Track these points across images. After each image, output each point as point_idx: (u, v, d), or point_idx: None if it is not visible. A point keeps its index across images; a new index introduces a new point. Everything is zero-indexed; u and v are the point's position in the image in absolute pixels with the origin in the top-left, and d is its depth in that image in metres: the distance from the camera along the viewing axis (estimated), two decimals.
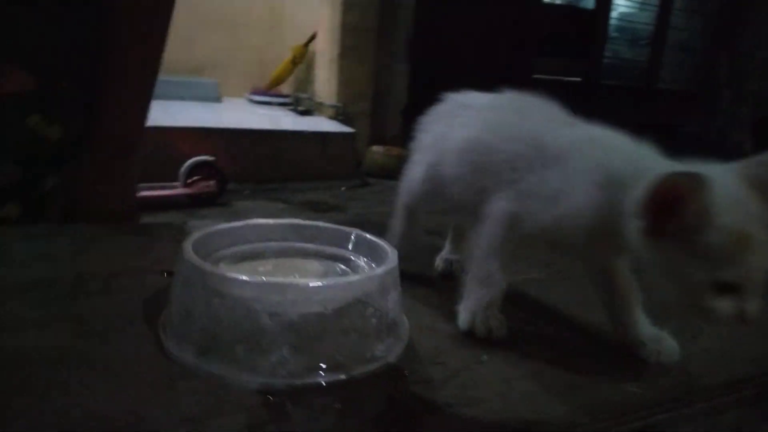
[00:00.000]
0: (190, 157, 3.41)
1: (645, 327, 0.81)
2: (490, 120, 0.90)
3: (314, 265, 0.63)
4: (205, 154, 3.49)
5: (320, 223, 0.65)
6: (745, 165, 0.73)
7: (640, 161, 0.75)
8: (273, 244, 0.62)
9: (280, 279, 0.49)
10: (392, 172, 1.59)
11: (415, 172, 0.94)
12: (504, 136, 0.87)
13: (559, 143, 0.82)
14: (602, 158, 0.78)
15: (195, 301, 0.47)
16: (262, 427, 0.40)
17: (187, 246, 0.49)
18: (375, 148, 4.42)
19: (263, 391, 0.42)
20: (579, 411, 0.56)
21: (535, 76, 5.34)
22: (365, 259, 0.62)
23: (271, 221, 0.63)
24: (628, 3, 5.94)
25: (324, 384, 0.44)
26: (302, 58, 4.83)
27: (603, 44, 5.76)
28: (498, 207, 0.81)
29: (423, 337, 0.59)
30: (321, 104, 4.79)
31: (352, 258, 0.62)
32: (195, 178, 3.41)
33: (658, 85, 6.20)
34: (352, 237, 0.63)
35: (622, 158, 0.78)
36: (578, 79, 5.67)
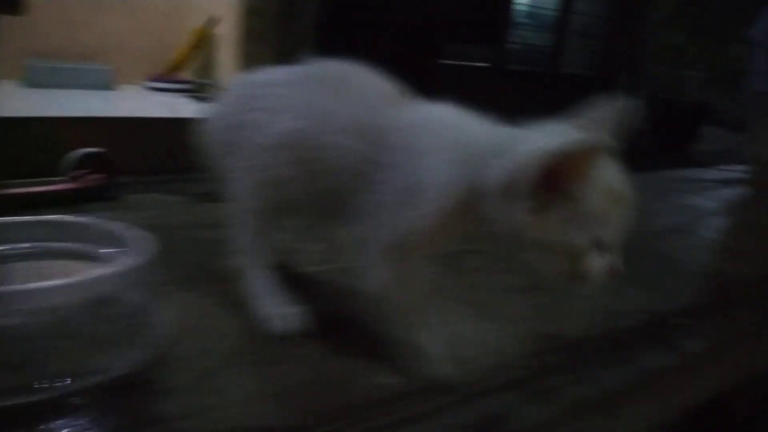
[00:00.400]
0: (78, 149, 3.24)
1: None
2: (309, 104, 0.76)
3: (66, 265, 0.60)
4: (93, 145, 3.33)
5: (79, 219, 0.62)
6: (582, 118, 0.74)
7: (499, 138, 0.71)
8: (23, 245, 0.59)
9: None
10: None
11: (242, 185, 0.80)
12: (333, 127, 0.78)
13: (399, 130, 0.75)
14: (454, 140, 0.72)
15: None
16: None
17: None
18: None
19: None
20: (319, 413, 0.54)
21: (445, 61, 5.39)
22: (123, 256, 0.60)
23: (18, 219, 0.60)
24: None
25: (36, 402, 0.42)
26: (203, 42, 4.68)
27: (508, 30, 5.89)
28: (362, 243, 0.69)
29: (188, 339, 0.58)
30: (223, 90, 4.66)
31: (106, 255, 0.60)
32: (82, 171, 3.24)
33: (563, 70, 6.41)
34: (114, 232, 0.60)
35: (477, 137, 0.73)
36: (486, 64, 5.77)
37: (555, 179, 0.61)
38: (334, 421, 0.53)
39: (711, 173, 2.05)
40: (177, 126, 4.53)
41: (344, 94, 0.75)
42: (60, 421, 0.42)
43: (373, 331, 0.72)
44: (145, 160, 3.96)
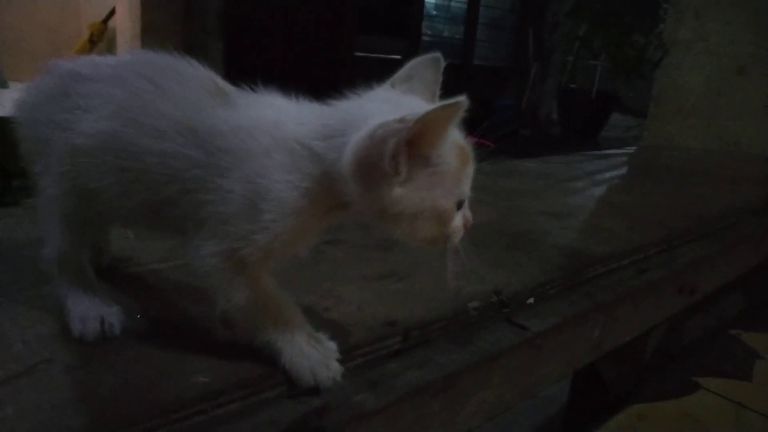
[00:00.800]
0: None
1: None
2: (125, 102, 0.68)
3: None
4: None
5: None
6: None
7: (338, 118, 0.66)
8: None
9: None
10: None
11: (47, 191, 0.71)
12: (151, 130, 0.66)
13: (230, 131, 0.66)
14: (290, 135, 0.66)
15: None
16: None
17: None
18: None
19: None
20: (122, 417, 0.51)
21: (358, 54, 5.38)
22: None
23: None
24: None
25: None
26: (101, 36, 4.47)
27: (421, 22, 5.94)
28: (207, 261, 0.63)
29: None
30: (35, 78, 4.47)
31: None
32: None
33: (474, 61, 6.52)
34: None
35: (313, 124, 0.68)
36: (399, 57, 5.80)
37: (414, 147, 0.59)
38: (136, 424, 0.49)
39: (598, 155, 2.13)
40: None
41: (166, 90, 0.67)
42: None
43: (195, 329, 0.69)
44: None
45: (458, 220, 0.64)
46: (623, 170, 1.94)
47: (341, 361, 0.63)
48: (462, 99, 0.59)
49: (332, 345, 0.64)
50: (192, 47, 4.79)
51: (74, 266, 0.71)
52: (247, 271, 0.63)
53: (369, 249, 0.93)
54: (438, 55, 0.74)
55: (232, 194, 0.60)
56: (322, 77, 5.01)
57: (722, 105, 2.89)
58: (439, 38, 6.30)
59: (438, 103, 0.58)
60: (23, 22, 4.35)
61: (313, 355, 0.63)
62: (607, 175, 1.73)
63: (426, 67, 0.74)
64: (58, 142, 0.67)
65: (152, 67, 0.68)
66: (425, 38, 6.10)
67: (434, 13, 6.24)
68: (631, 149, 2.70)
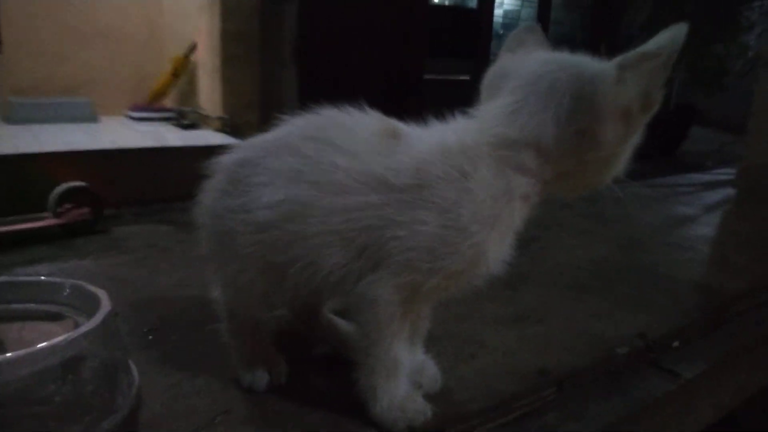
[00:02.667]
0: (61, 184, 3.22)
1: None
2: (298, 168, 0.70)
3: (25, 327, 0.58)
4: (80, 179, 3.31)
5: (35, 279, 0.60)
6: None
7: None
8: None
9: None
10: None
11: (234, 278, 0.72)
12: (331, 187, 0.67)
13: (413, 167, 0.66)
14: (481, 142, 0.67)
15: None
16: None
17: None
18: None
19: None
20: None
21: (427, 76, 5.43)
22: (82, 315, 0.57)
23: None
24: (511, 0, 6.15)
25: None
26: (183, 69, 4.68)
27: (489, 42, 5.93)
28: (380, 292, 0.64)
29: (159, 401, 0.56)
30: (206, 116, 4.67)
31: (67, 314, 0.58)
32: (66, 206, 3.22)
33: None
34: (67, 290, 0.58)
35: (490, 122, 0.69)
36: (467, 77, 5.80)
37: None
38: None
39: (699, 177, 2.04)
40: (161, 155, 4.53)
41: (336, 145, 0.68)
42: None
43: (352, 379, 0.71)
44: (131, 190, 3.95)
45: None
46: (731, 193, 1.86)
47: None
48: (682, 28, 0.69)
49: (423, 402, 0.66)
50: (268, 77, 4.95)
51: (251, 329, 0.73)
52: (411, 306, 0.65)
53: (494, 288, 0.92)
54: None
55: (425, 226, 0.62)
56: (392, 100, 5.09)
57: None
58: None
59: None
60: (107, 59, 4.62)
61: (409, 409, 0.64)
62: (717, 198, 1.66)
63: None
64: (241, 225, 0.70)
65: (315, 128, 0.71)
66: (493, 57, 6.09)
67: (502, 32, 6.23)
68: (730, 170, 2.58)
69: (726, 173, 2.37)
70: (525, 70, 0.69)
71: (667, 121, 6.49)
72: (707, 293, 0.90)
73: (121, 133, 4.08)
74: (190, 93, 4.84)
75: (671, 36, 0.65)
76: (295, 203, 0.67)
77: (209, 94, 4.82)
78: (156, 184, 4.13)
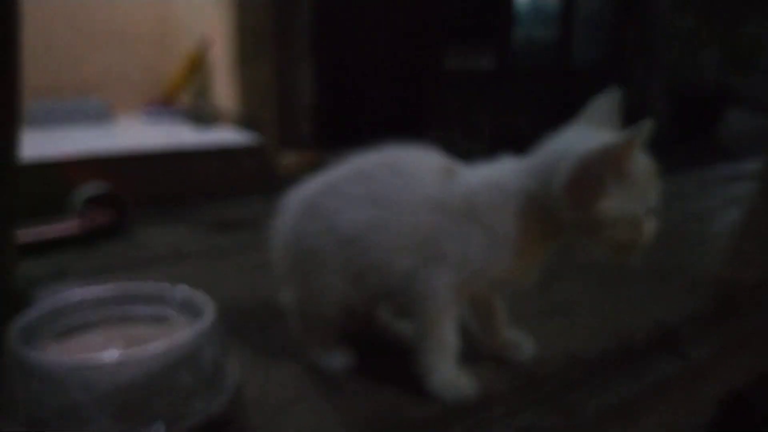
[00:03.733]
0: (83, 188, 3.40)
1: (510, 331, 1.01)
2: (378, 192, 0.91)
3: (140, 329, 0.73)
4: (101, 181, 3.48)
5: (145, 283, 0.75)
6: (587, 116, 0.95)
7: (544, 158, 0.88)
8: (101, 311, 0.72)
9: (85, 356, 0.60)
10: (307, 176, 1.60)
11: (323, 288, 0.91)
12: (405, 207, 0.90)
13: (463, 195, 0.89)
14: (513, 183, 0.88)
15: (17, 384, 0.57)
16: None
17: (11, 332, 0.60)
18: (286, 153, 4.51)
19: None
20: None
21: (447, 67, 5.53)
22: (186, 317, 0.73)
23: (94, 289, 0.74)
24: None
25: None
26: (199, 66, 4.85)
27: (511, 27, 6.03)
28: (436, 285, 0.86)
29: (253, 385, 0.72)
30: (223, 113, 4.84)
31: (175, 317, 0.73)
32: (90, 209, 3.40)
33: (571, 65, 6.52)
34: (176, 296, 0.73)
35: (526, 169, 0.90)
36: (489, 66, 5.90)
37: (612, 168, 0.80)
38: None
39: (728, 168, 2.15)
40: (179, 154, 4.69)
41: (408, 175, 0.91)
42: None
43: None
44: (153, 191, 4.13)
45: (647, 226, 0.85)
46: (759, 187, 1.98)
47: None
48: (647, 124, 0.79)
49: (470, 379, 0.85)
50: (284, 72, 5.11)
51: (324, 324, 0.92)
52: (460, 298, 0.87)
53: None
54: (615, 91, 0.96)
55: (472, 238, 0.82)
56: (411, 91, 5.20)
57: None
58: (531, 42, 6.35)
59: (628, 130, 0.79)
60: (120, 58, 4.80)
61: (459, 384, 0.84)
62: (742, 191, 1.79)
63: (606, 101, 0.95)
64: (327, 243, 0.90)
65: (386, 161, 0.92)
66: (516, 42, 6.16)
67: (525, 15, 6.31)
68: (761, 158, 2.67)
69: (757, 161, 2.46)
70: (556, 139, 0.91)
71: (701, 104, 6.54)
72: (722, 285, 1.04)
73: (137, 132, 4.26)
74: (206, 90, 5.01)
75: (631, 133, 0.78)
76: (373, 221, 0.88)
77: (225, 90, 4.98)
78: (174, 184, 4.31)
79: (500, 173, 0.92)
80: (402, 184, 0.90)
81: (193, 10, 4.90)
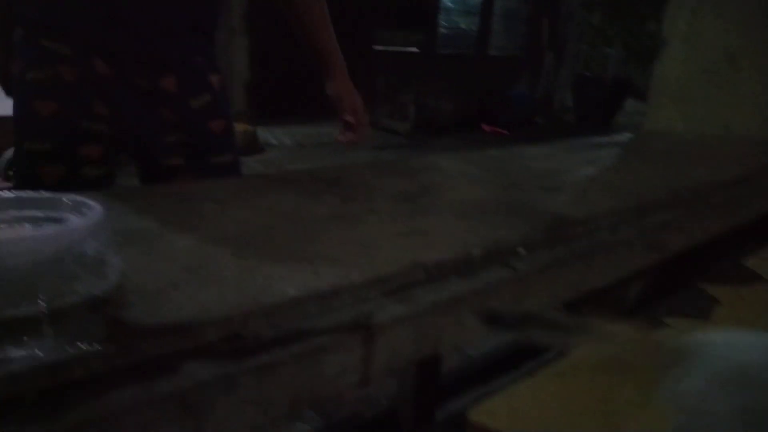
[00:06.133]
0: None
1: None
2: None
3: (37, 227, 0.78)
4: None
5: (39, 193, 0.79)
6: None
7: None
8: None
9: None
10: (240, 149, 1.62)
11: None
12: None
13: None
14: None
15: None
16: None
17: None
18: None
19: None
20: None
21: (376, 47, 5.63)
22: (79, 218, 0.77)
23: None
24: None
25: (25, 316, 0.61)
26: None
27: (438, 15, 6.18)
28: None
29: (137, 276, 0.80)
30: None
31: (69, 218, 0.78)
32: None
33: (490, 52, 6.75)
34: (69, 201, 0.79)
35: None
36: (416, 49, 6.04)
37: None
38: None
39: (601, 139, 2.35)
40: None
41: None
42: (51, 329, 0.63)
43: None
44: None
45: None
46: (617, 153, 2.19)
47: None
48: None
49: None
50: (221, 46, 5.08)
51: None
52: None
53: (396, 214, 1.19)
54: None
55: None
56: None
57: (714, 93, 3.13)
58: (455, 29, 6.53)
59: None
60: None
61: None
62: (603, 157, 1.99)
63: None
64: None
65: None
66: (441, 30, 6.33)
67: (449, 5, 6.47)
68: (630, 135, 2.92)
69: (625, 139, 2.70)
70: None
71: (602, 95, 6.90)
72: (558, 219, 1.18)
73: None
74: None
75: None
76: None
77: None
78: None
79: None
80: None
81: None
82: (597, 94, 6.82)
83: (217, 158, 1.33)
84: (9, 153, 3.28)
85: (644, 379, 1.11)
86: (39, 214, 0.84)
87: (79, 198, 0.84)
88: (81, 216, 0.81)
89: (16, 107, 1.21)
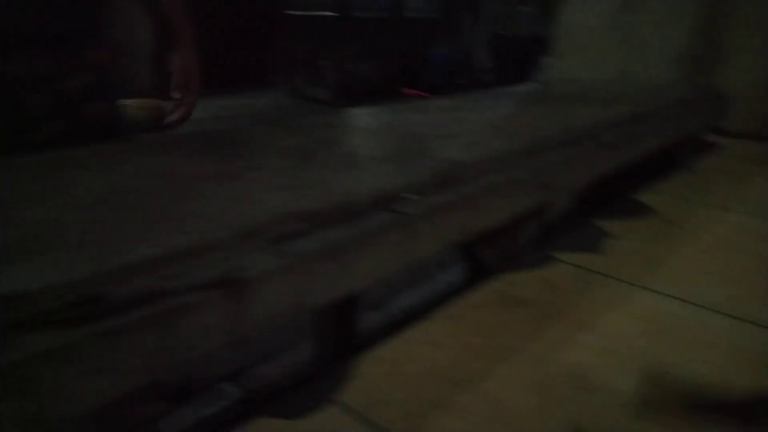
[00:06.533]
0: None
1: None
2: None
3: None
4: None
5: None
6: None
7: None
8: None
9: None
10: (146, 125, 1.50)
11: None
12: None
13: None
14: None
15: None
16: None
17: None
18: (126, 102, 4.29)
19: None
20: None
21: (289, 12, 5.46)
22: None
23: None
24: None
25: None
26: None
27: None
28: None
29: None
30: None
31: None
32: None
33: (405, 13, 6.69)
34: None
35: None
36: (331, 13, 5.90)
37: None
38: None
39: (510, 94, 2.38)
40: None
41: None
42: None
43: None
44: None
45: None
46: (518, 100, 2.22)
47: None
48: None
49: None
50: (121, 16, 4.78)
51: None
52: None
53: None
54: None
55: None
56: (254, 35, 5.08)
57: (612, 39, 3.25)
58: None
59: None
60: None
61: None
62: (502, 105, 2.00)
63: None
64: None
65: None
66: None
67: None
68: (532, 84, 2.97)
69: (527, 88, 2.76)
70: None
71: (519, 53, 6.99)
72: (450, 165, 1.17)
73: None
74: None
75: None
76: None
77: None
78: None
79: None
80: None
81: None
82: (514, 52, 6.91)
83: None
84: None
85: (535, 314, 1.15)
86: None
87: None
88: None
89: None
